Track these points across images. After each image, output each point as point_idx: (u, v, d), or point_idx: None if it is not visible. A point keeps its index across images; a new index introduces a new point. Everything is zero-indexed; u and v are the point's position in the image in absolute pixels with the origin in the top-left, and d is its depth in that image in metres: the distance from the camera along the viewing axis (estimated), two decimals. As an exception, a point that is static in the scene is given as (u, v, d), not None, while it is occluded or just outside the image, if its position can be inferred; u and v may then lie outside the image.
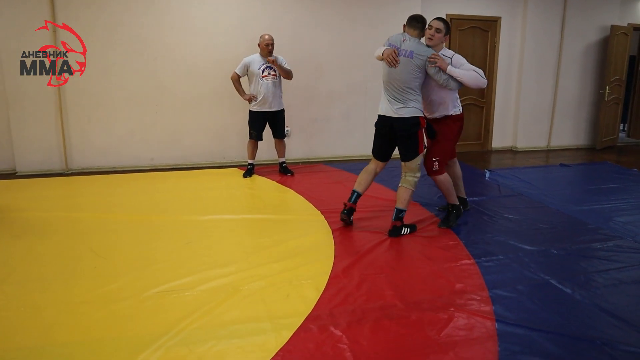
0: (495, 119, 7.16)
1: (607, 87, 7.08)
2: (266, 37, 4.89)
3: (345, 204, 3.63)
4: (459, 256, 3.14)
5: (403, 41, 3.34)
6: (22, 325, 2.30)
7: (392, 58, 3.30)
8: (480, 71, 3.37)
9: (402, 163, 3.50)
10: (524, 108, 7.13)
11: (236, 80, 5.04)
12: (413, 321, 2.35)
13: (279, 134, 5.27)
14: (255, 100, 5.03)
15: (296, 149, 6.20)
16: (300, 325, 2.29)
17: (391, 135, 3.49)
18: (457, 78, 3.31)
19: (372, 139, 3.69)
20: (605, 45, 7.16)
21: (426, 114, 3.61)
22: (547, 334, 2.25)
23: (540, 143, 7.38)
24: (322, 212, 3.98)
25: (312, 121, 6.21)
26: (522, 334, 2.25)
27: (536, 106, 7.19)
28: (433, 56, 3.28)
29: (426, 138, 3.48)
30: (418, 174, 3.47)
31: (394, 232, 3.46)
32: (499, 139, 7.29)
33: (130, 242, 3.40)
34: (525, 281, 2.80)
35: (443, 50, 3.47)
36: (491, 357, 2.07)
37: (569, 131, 7.46)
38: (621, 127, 8.28)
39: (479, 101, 7.05)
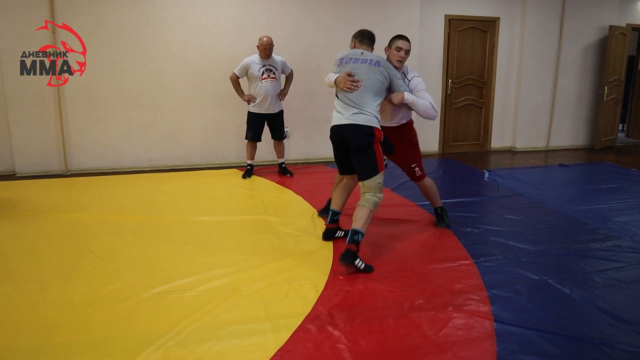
0: (495, 119, 7.17)
1: (606, 88, 7.08)
2: (264, 39, 4.86)
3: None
4: (457, 256, 3.14)
5: (362, 54, 3.09)
6: (23, 325, 2.31)
7: (350, 83, 2.98)
8: (434, 102, 3.24)
9: (360, 183, 3.04)
10: (523, 108, 7.14)
11: (235, 81, 5.04)
12: (411, 321, 2.35)
13: (278, 135, 5.28)
14: (254, 101, 5.04)
15: (295, 149, 6.21)
16: (299, 326, 2.30)
17: (344, 147, 3.13)
18: (411, 106, 3.19)
19: None
20: (604, 46, 7.17)
21: (383, 123, 3.33)
22: (546, 333, 2.26)
23: (539, 143, 7.39)
24: (321, 213, 3.99)
25: (312, 121, 6.21)
26: (521, 333, 2.26)
27: (535, 106, 7.20)
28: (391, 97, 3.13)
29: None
30: (380, 195, 3.00)
31: (346, 257, 2.78)
32: (498, 140, 7.29)
33: (130, 243, 3.41)
34: (523, 281, 2.80)
35: (405, 68, 3.32)
36: (489, 357, 2.08)
37: (568, 131, 7.47)
38: (620, 127, 8.28)
39: (478, 101, 7.06)
